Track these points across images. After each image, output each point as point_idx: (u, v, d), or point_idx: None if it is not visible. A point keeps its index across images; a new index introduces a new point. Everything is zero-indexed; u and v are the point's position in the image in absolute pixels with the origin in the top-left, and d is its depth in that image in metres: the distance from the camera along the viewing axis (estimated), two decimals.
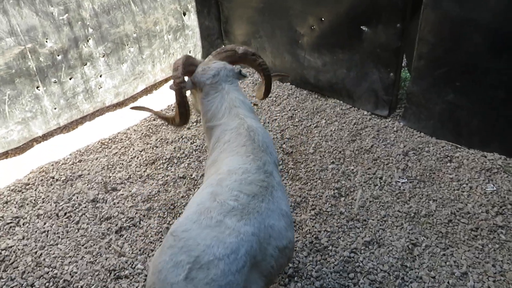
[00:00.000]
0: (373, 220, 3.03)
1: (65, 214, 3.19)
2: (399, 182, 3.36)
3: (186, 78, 2.28)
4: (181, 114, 2.31)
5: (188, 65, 2.32)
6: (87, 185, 3.48)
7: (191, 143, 3.97)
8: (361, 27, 3.81)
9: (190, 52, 4.98)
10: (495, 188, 3.18)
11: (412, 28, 3.64)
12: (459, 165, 3.47)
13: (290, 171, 3.55)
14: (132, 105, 2.40)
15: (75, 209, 3.23)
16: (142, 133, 4.14)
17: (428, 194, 3.22)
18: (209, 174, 2.09)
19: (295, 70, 4.61)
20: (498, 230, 2.88)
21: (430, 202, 3.15)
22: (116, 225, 3.09)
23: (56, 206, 3.25)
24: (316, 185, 3.37)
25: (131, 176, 3.57)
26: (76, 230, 3.05)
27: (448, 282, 2.56)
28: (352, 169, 3.51)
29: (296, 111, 4.32)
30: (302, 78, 4.58)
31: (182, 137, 4.06)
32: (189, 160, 3.74)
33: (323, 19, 4.09)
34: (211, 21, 5.02)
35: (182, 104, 2.27)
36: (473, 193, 3.19)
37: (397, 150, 3.67)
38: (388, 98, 3.97)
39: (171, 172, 3.60)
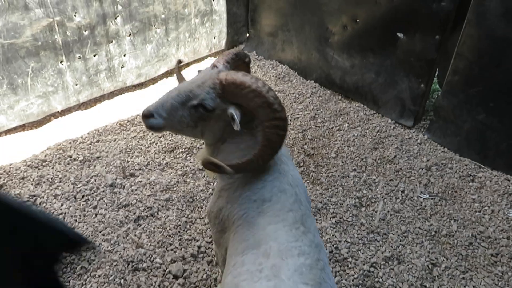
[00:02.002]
0: (393, 234, 3.01)
1: (83, 197, 3.13)
2: (420, 197, 3.34)
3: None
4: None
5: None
6: (105, 168, 3.42)
7: None
8: (397, 33, 3.71)
9: (214, 38, 4.86)
10: None
11: (450, 41, 3.55)
12: (481, 186, 3.45)
13: (311, 174, 3.50)
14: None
15: (93, 193, 3.17)
16: None
17: (449, 213, 3.20)
18: (240, 239, 1.64)
19: (321, 68, 4.52)
20: None
21: (451, 221, 3.13)
22: (134, 213, 3.04)
23: (74, 187, 3.19)
24: (337, 192, 3.34)
25: (150, 163, 3.51)
26: (94, 215, 3.01)
27: None
28: (374, 179, 3.47)
29: (319, 111, 4.25)
30: (328, 77, 4.50)
31: None
32: None
33: (358, 20, 3.98)
34: (239, 8, 4.89)
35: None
36: (495, 217, 3.17)
37: (420, 164, 3.63)
38: (415, 108, 3.91)
39: (190, 162, 3.54)
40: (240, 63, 1.94)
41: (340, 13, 4.07)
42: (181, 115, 1.68)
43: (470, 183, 3.48)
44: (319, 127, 4.04)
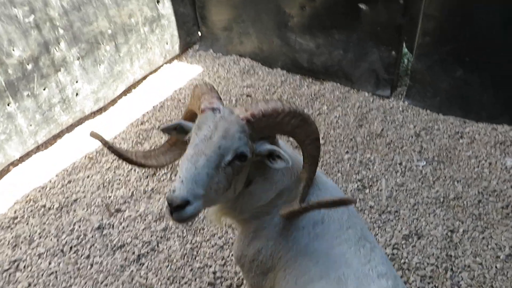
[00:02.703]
0: (404, 210, 2.94)
1: (71, 248, 2.81)
2: (419, 165, 3.28)
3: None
4: None
5: None
6: (87, 210, 3.09)
7: None
8: (359, 5, 3.60)
9: (167, 44, 4.55)
10: None
11: (413, 4, 3.48)
12: (471, 141, 3.45)
13: None
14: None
15: (81, 241, 2.85)
16: (133, 141, 3.74)
17: (450, 175, 3.17)
18: (298, 273, 1.48)
19: (286, 55, 4.35)
20: None
21: (455, 183, 3.10)
22: (133, 253, 2.77)
23: (58, 240, 2.85)
24: (337, 179, 3.22)
25: (134, 193, 3.22)
26: (89, 266, 2.70)
27: (496, 267, 2.52)
28: (369, 157, 3.38)
29: (293, 99, 4.09)
30: (294, 62, 4.34)
31: None
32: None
33: None
34: (185, 7, 4.60)
35: None
36: (494, 169, 3.18)
37: (408, 132, 3.58)
38: (390, 77, 3.84)
39: None
40: None
41: None
42: (218, 181, 1.34)
43: (461, 140, 3.47)
44: None
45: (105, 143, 1.49)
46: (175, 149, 1.71)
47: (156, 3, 4.20)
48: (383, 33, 3.63)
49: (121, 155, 1.54)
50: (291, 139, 2.87)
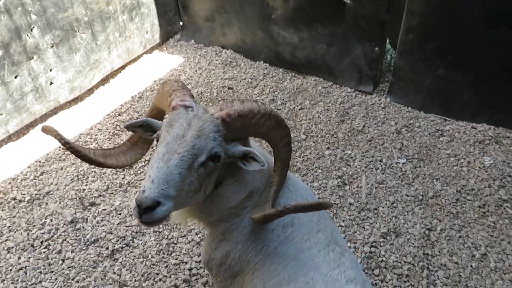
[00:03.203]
0: (383, 207, 2.93)
1: (42, 243, 2.71)
2: (399, 163, 3.28)
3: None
4: None
5: None
6: (60, 203, 2.99)
7: None
8: None
9: (147, 33, 4.42)
10: (492, 161, 3.21)
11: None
12: (451, 139, 3.46)
13: None
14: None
15: (52, 236, 2.76)
16: (109, 132, 3.63)
17: (430, 173, 3.18)
18: (267, 277, 1.44)
19: (269, 47, 4.28)
20: (504, 205, 2.91)
21: (434, 181, 3.11)
22: (107, 248, 2.69)
23: (28, 234, 2.75)
24: (317, 176, 3.19)
25: (109, 186, 3.13)
26: (61, 261, 2.61)
27: (471, 266, 2.54)
28: (350, 154, 3.36)
29: (276, 92, 4.03)
30: (277, 55, 4.27)
31: None
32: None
33: None
34: None
35: None
36: (472, 168, 3.20)
37: (389, 128, 3.57)
38: (373, 73, 3.82)
39: None
40: None
41: None
42: (190, 182, 1.27)
43: (441, 138, 3.48)
44: (280, 109, 3.83)
45: (60, 139, 1.38)
46: (136, 149, 1.62)
47: None
48: (367, 29, 3.60)
49: (79, 153, 1.44)
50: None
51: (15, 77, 3.23)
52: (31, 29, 3.23)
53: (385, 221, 2.83)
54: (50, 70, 3.49)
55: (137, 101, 3.99)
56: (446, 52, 3.30)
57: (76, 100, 3.94)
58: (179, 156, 1.25)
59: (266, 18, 4.09)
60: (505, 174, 3.10)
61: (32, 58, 3.31)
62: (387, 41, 3.95)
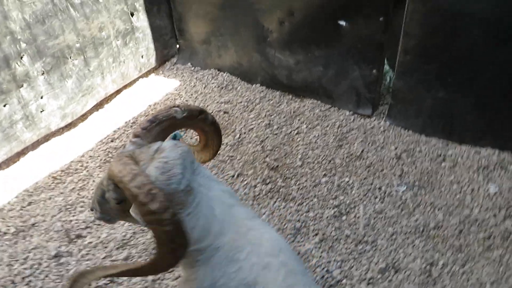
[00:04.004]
0: (382, 240, 2.78)
1: (23, 279, 2.60)
2: (399, 191, 3.13)
3: None
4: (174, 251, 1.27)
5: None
6: (45, 236, 2.89)
7: None
8: (339, 21, 3.46)
9: (142, 57, 4.37)
10: (497, 189, 3.04)
11: (394, 21, 3.35)
12: (454, 164, 3.30)
13: (281, 190, 3.19)
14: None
15: (34, 271, 2.65)
16: (101, 159, 3.55)
17: (431, 202, 3.02)
18: None
19: (265, 70, 4.20)
20: (511, 237, 2.73)
21: (436, 211, 2.95)
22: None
23: (10, 270, 2.65)
24: (313, 205, 3.05)
25: None
26: None
27: None
28: (347, 181, 3.22)
29: (272, 116, 3.93)
30: (273, 78, 4.18)
31: None
32: None
33: (294, 13, 3.68)
34: (162, 20, 4.43)
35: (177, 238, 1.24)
36: (477, 196, 3.03)
37: (389, 154, 3.43)
38: (371, 96, 3.70)
39: None
40: (181, 121, 1.45)
41: (274, 8, 3.75)
42: (109, 207, 1.40)
43: (443, 164, 3.32)
44: (276, 134, 3.72)
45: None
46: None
47: (130, 16, 4.03)
48: (364, 51, 3.50)
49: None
50: None
51: (4, 106, 3.18)
52: (21, 57, 3.19)
53: (383, 255, 2.67)
54: (41, 98, 3.44)
55: (131, 126, 3.92)
56: (446, 74, 3.17)
57: (68, 126, 3.88)
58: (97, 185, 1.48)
59: (262, 40, 4.02)
60: None
61: (22, 86, 3.26)
62: (386, 62, 3.85)
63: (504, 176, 3.15)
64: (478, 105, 3.19)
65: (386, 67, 3.94)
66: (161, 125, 1.42)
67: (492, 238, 2.74)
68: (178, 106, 1.45)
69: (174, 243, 1.20)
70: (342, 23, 3.45)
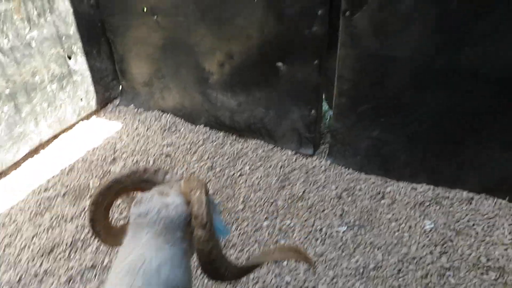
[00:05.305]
0: (323, 284, 2.73)
1: None
2: (339, 231, 3.13)
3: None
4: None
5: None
6: None
7: None
8: (277, 64, 3.53)
9: (81, 100, 4.25)
10: (433, 225, 3.11)
11: (329, 63, 3.45)
12: (392, 201, 3.36)
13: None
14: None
15: None
16: (32, 212, 3.34)
17: (371, 241, 3.03)
18: None
19: (208, 111, 4.18)
20: (446, 273, 2.77)
21: (375, 251, 2.96)
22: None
23: None
24: (253, 251, 2.98)
25: (23, 276, 2.81)
26: None
27: None
28: (289, 224, 3.19)
29: (215, 158, 3.88)
30: (217, 119, 4.17)
31: (84, 209, 3.37)
32: (98, 241, 3.07)
33: (233, 56, 3.72)
34: (103, 62, 4.36)
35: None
36: (414, 233, 3.08)
37: (330, 193, 3.45)
38: (312, 135, 3.75)
39: (76, 261, 2.91)
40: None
41: (214, 51, 3.78)
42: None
43: (382, 201, 3.37)
44: (219, 177, 3.67)
45: None
46: None
47: (67, 59, 3.93)
48: (302, 92, 3.56)
49: None
50: None
51: None
52: None
53: None
54: None
55: (67, 174, 3.74)
56: (379, 115, 3.28)
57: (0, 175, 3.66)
58: None
59: (204, 82, 4.03)
60: (446, 239, 2.99)
61: None
62: (325, 102, 3.94)
63: (439, 211, 3.23)
64: (410, 144, 3.30)
65: (326, 107, 4.03)
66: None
67: (429, 276, 2.76)
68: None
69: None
70: (280, 65, 3.52)
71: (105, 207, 1.54)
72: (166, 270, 1.27)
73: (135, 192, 1.55)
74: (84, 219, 3.28)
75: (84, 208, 3.37)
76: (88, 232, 3.14)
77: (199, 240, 1.28)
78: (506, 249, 2.85)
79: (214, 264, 1.34)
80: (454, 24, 2.64)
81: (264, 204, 3.38)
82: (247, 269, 1.50)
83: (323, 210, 3.31)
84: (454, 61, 2.76)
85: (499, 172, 3.13)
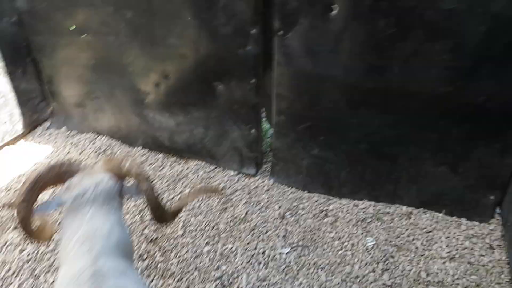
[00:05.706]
0: None
1: None
2: (283, 253, 3.05)
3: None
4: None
5: (54, 177, 1.74)
6: None
7: (20, 251, 3.00)
8: (214, 83, 3.44)
9: (6, 123, 3.92)
10: (374, 242, 3.12)
11: (267, 82, 3.42)
12: (335, 219, 3.34)
13: (159, 265, 2.92)
14: None
15: None
16: None
17: (315, 261, 2.98)
18: None
19: (145, 133, 4.01)
20: None
21: (319, 271, 2.90)
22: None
23: None
24: (193, 279, 2.82)
25: None
26: None
27: None
28: (231, 248, 3.07)
29: (154, 181, 3.70)
30: (155, 140, 4.00)
31: (5, 244, 3.06)
32: (20, 279, 2.79)
33: (169, 75, 3.59)
34: (30, 83, 4.06)
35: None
36: (356, 251, 3.06)
37: (273, 214, 3.37)
38: (253, 155, 3.68)
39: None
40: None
41: (148, 71, 3.64)
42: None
43: (325, 219, 3.34)
44: None
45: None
46: None
47: None
48: (241, 111, 3.50)
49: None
50: None
51: None
52: None
53: None
54: None
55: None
56: (318, 133, 3.27)
57: None
58: None
59: (139, 102, 3.85)
60: (388, 255, 3.00)
61: None
62: (266, 121, 3.90)
63: (380, 227, 3.25)
64: (349, 161, 3.31)
65: (267, 125, 3.99)
66: (114, 166, 1.79)
67: None
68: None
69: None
70: (217, 85, 3.44)
71: (31, 204, 1.70)
72: (115, 232, 1.63)
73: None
74: (6, 254, 2.98)
75: (6, 243, 3.07)
76: (9, 268, 2.84)
77: (146, 190, 1.76)
78: (444, 263, 2.90)
79: (161, 208, 1.85)
80: (383, 43, 2.69)
81: (205, 228, 3.24)
82: (177, 212, 2.06)
83: (266, 232, 3.22)
84: (384, 80, 2.81)
85: (435, 187, 3.21)
